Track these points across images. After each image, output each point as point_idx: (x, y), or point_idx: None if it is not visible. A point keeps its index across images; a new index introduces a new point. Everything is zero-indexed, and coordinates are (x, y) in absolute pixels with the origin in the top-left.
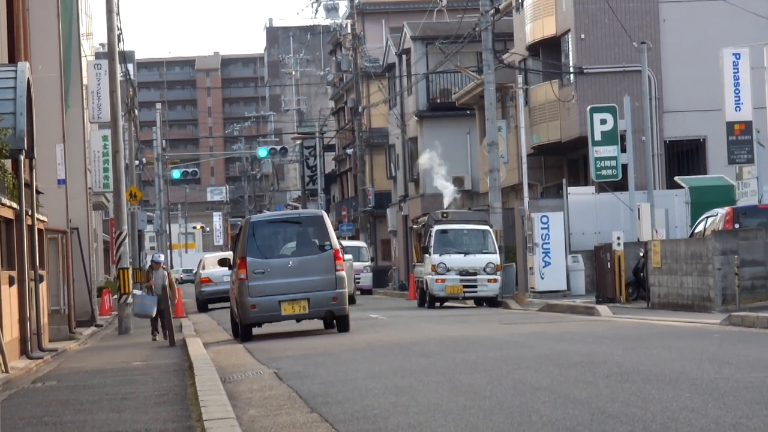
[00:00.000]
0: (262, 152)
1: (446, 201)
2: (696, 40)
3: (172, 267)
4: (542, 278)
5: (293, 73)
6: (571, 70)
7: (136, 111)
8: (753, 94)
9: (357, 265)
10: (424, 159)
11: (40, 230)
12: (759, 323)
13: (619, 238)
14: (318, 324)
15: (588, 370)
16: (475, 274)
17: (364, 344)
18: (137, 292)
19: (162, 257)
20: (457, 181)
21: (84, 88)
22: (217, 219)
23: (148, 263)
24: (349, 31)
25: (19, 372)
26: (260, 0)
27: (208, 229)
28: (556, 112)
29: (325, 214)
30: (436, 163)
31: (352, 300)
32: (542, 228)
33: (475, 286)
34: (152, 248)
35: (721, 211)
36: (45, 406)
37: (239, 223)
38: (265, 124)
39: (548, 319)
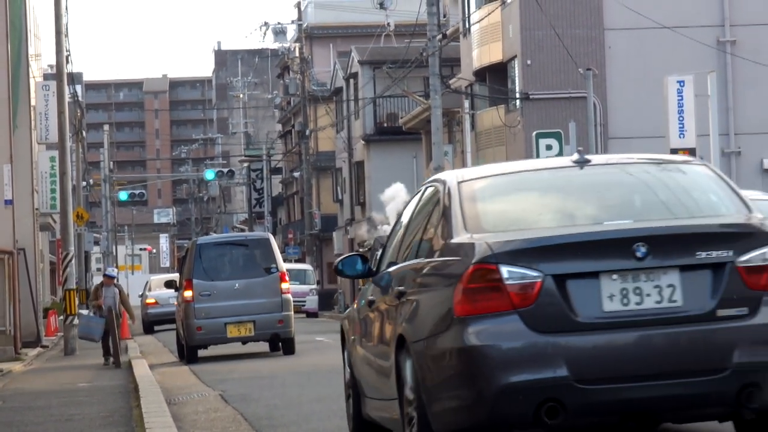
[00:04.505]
0: (209, 174)
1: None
2: (641, 67)
3: None
4: None
5: (241, 95)
6: (518, 95)
7: (84, 132)
8: (697, 121)
9: (303, 288)
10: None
11: None
12: None
13: None
14: (264, 346)
15: None
16: None
17: (310, 367)
18: (84, 312)
19: (115, 271)
20: (405, 205)
21: (32, 108)
22: (164, 241)
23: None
24: (297, 54)
25: None
26: (209, 23)
27: (154, 250)
28: (502, 137)
29: (271, 237)
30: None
31: None
32: None
33: None
34: (98, 269)
35: None
36: None
37: (186, 245)
38: (212, 147)
39: None
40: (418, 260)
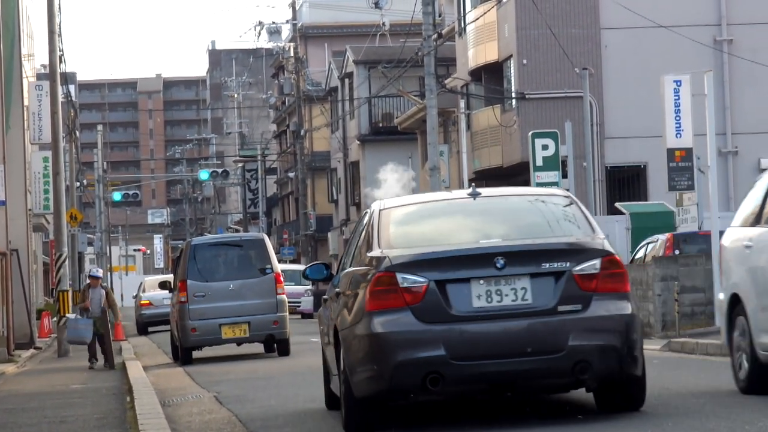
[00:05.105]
0: (203, 175)
1: None
2: (637, 66)
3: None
4: None
5: (235, 95)
6: (513, 95)
7: (78, 132)
8: (694, 120)
9: (298, 288)
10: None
11: None
12: (698, 350)
13: None
14: (259, 347)
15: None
16: None
17: (305, 368)
18: (71, 315)
19: (100, 272)
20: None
21: (25, 109)
22: (158, 241)
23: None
24: (292, 54)
25: None
26: (203, 22)
27: (148, 251)
28: (497, 137)
29: (266, 238)
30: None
31: None
32: None
33: None
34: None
35: (662, 237)
36: None
37: (180, 245)
38: (206, 147)
39: None
40: (350, 268)
